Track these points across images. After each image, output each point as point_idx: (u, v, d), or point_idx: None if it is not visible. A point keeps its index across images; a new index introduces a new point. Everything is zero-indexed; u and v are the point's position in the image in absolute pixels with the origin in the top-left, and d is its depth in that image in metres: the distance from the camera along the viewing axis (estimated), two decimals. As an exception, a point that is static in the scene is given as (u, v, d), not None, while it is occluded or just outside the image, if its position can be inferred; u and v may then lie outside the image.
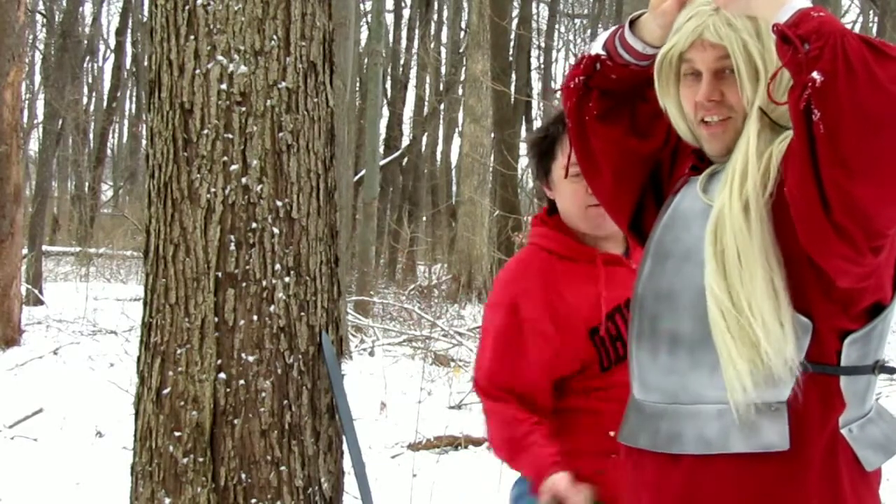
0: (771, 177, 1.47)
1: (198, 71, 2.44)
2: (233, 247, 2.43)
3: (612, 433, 1.95)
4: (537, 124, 23.08)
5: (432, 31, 22.92)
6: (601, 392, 2.08)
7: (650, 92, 1.68)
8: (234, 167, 2.43)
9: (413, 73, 23.08)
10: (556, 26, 25.20)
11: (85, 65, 25.64)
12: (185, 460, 2.42)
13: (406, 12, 23.11)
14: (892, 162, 1.31)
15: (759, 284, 1.45)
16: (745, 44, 1.52)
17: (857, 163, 1.31)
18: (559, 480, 1.98)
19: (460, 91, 18.98)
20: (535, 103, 21.41)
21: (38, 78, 22.73)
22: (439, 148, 24.27)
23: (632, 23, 1.64)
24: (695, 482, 1.54)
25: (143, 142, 19.32)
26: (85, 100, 26.28)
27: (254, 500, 2.42)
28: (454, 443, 5.71)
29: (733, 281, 1.47)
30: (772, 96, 1.47)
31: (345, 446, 2.62)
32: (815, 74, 1.32)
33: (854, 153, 1.31)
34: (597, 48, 1.70)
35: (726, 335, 1.48)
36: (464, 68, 18.21)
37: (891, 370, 1.59)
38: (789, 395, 1.48)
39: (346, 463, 2.61)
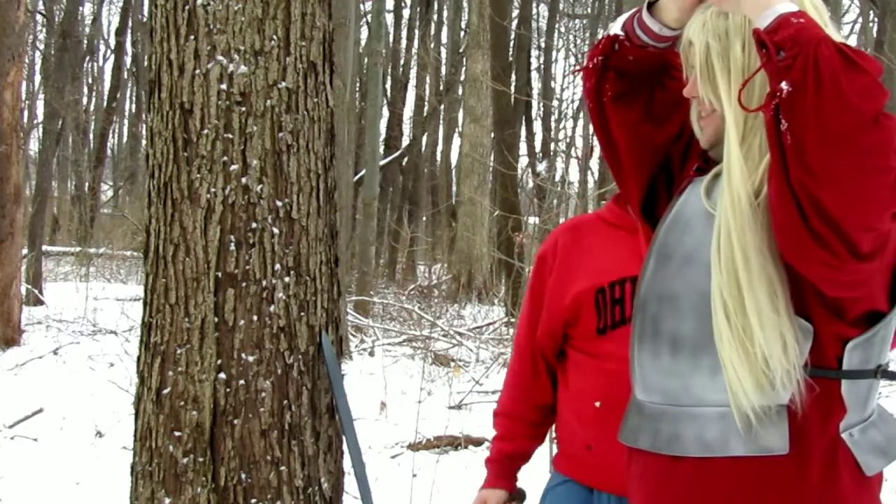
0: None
1: (198, 71, 2.43)
2: (233, 247, 2.43)
3: (597, 404, 2.08)
4: (537, 124, 23.10)
5: (432, 31, 22.92)
6: (593, 358, 2.18)
7: (668, 80, 1.69)
8: (234, 167, 2.43)
9: (413, 73, 23.08)
10: (556, 26, 25.20)
11: (85, 65, 25.63)
12: (185, 460, 2.42)
13: (406, 12, 23.12)
14: (858, 172, 1.31)
15: (758, 283, 1.45)
16: (708, 45, 1.53)
17: (823, 172, 1.31)
18: (492, 497, 2.26)
19: (460, 91, 18.99)
20: (535, 103, 21.41)
21: (38, 78, 22.72)
22: (439, 148, 24.27)
23: (651, 5, 1.65)
24: (696, 484, 1.54)
25: (143, 142, 19.33)
26: (85, 100, 26.27)
27: (254, 500, 2.42)
28: (454, 443, 5.72)
29: (742, 286, 1.46)
30: (742, 102, 1.47)
31: (345, 446, 2.62)
32: (783, 85, 1.32)
33: (820, 163, 1.30)
34: (616, 29, 1.70)
35: (730, 341, 1.48)
36: (464, 68, 18.22)
37: (893, 375, 1.59)
38: (789, 399, 1.48)
39: (346, 463, 2.61)
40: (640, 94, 1.72)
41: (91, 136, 23.97)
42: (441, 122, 23.47)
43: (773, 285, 1.46)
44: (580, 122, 23.23)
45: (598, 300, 2.16)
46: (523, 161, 19.62)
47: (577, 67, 1.93)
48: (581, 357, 2.19)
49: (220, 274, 2.42)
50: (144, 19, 20.85)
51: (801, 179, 1.32)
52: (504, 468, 2.29)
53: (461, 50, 20.19)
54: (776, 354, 1.45)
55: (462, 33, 21.17)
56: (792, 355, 1.46)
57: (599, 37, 1.85)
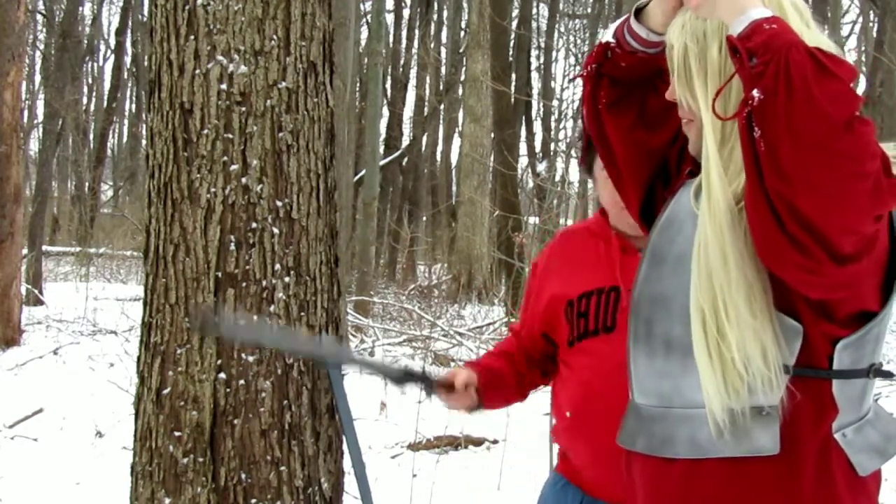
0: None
1: (198, 71, 2.44)
2: (233, 247, 2.43)
3: (568, 414, 2.12)
4: (537, 124, 23.10)
5: (432, 31, 22.92)
6: (568, 369, 2.25)
7: (662, 85, 1.69)
8: (234, 167, 2.43)
9: (413, 73, 23.09)
10: (556, 26, 25.19)
11: (85, 65, 25.63)
12: (185, 460, 2.42)
13: (406, 12, 23.12)
14: (833, 178, 1.31)
15: (735, 286, 1.45)
16: (685, 47, 1.53)
17: (798, 179, 1.30)
18: (459, 373, 2.31)
19: (460, 91, 18.99)
20: (535, 103, 21.41)
21: (38, 78, 22.73)
22: (439, 148, 24.28)
23: (638, 11, 1.65)
24: (689, 485, 1.54)
25: (143, 142, 19.33)
26: (85, 100, 26.28)
27: (254, 500, 2.43)
28: (454, 443, 5.71)
29: (719, 289, 1.46)
30: (717, 108, 1.47)
31: (345, 446, 2.62)
32: (755, 92, 1.31)
33: (794, 170, 1.30)
34: (607, 36, 1.71)
35: (704, 344, 1.48)
36: (464, 68, 18.22)
37: (886, 374, 1.58)
38: (780, 400, 1.48)
39: (346, 463, 2.62)
40: (633, 99, 1.73)
41: (91, 136, 23.95)
42: (441, 122, 23.48)
43: (751, 289, 1.45)
44: (580, 123, 23.19)
45: (566, 313, 2.22)
46: (523, 161, 19.62)
47: (576, 74, 1.94)
48: (562, 367, 2.27)
49: (220, 274, 2.42)
50: (144, 19, 20.85)
51: (776, 186, 1.32)
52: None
53: (461, 50, 20.20)
54: (755, 359, 1.45)
55: (462, 33, 21.18)
56: (772, 360, 1.45)
57: (599, 38, 1.86)
